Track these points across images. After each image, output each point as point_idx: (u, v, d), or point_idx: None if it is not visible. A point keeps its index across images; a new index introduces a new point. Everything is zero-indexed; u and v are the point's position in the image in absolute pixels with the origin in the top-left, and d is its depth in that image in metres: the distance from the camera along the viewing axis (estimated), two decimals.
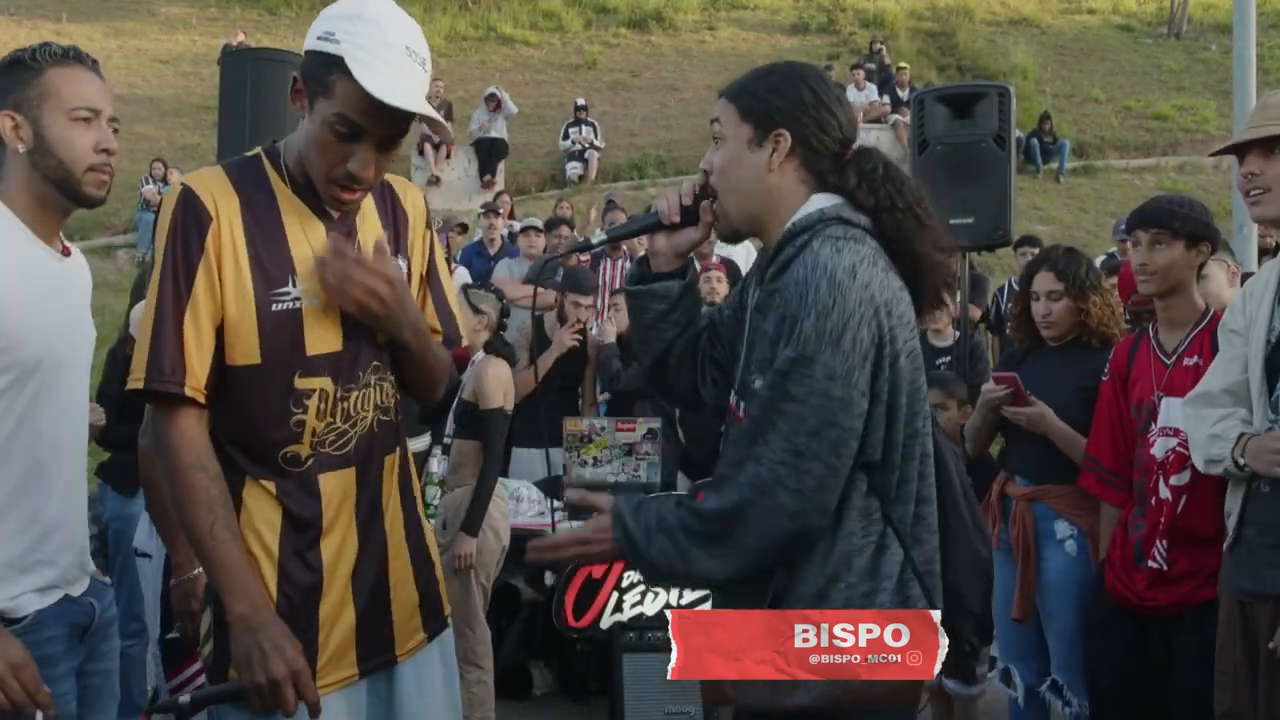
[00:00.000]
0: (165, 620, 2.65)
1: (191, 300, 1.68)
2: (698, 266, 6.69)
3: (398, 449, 1.90)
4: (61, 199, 1.94)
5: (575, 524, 4.11)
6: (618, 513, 1.65)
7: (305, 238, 1.76)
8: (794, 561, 1.62)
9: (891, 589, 1.62)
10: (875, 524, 1.63)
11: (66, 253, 2.04)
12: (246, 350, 1.71)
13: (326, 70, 1.67)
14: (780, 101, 1.71)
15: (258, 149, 1.85)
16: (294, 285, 1.73)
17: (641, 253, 7.09)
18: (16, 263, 1.87)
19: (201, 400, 1.71)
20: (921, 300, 1.72)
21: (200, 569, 2.26)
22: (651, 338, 1.90)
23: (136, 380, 1.69)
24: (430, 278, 1.95)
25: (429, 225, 1.95)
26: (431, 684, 1.92)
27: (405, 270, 1.85)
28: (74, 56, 1.94)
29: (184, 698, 1.72)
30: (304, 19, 19.51)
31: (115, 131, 1.98)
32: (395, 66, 1.64)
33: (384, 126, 1.69)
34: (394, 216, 1.89)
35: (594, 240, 2.01)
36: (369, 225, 1.84)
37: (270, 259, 1.72)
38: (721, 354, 1.90)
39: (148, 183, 12.75)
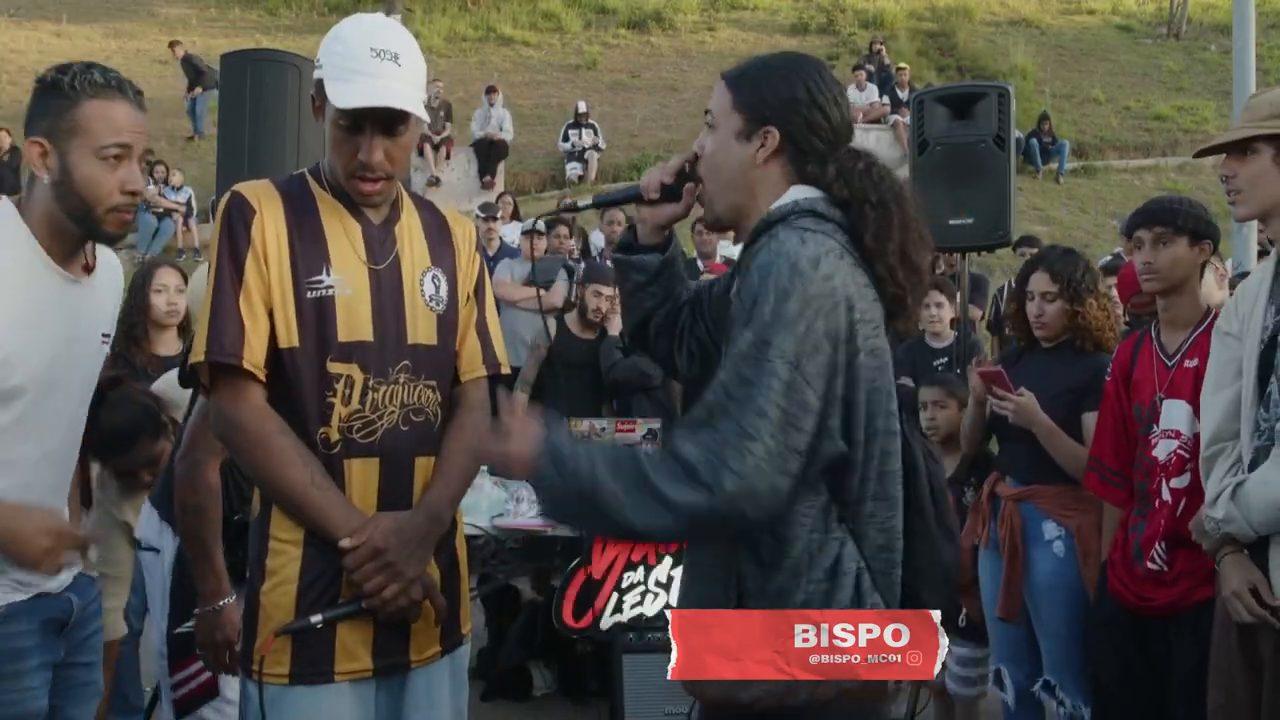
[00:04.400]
0: (173, 615, 2.67)
1: (244, 285, 1.83)
2: (700, 265, 6.69)
3: (435, 456, 1.95)
4: (76, 230, 1.92)
5: None
6: (547, 434, 1.60)
7: (341, 234, 1.91)
8: (751, 558, 1.61)
9: (850, 586, 1.61)
10: (834, 522, 1.62)
11: (89, 269, 2.02)
12: (289, 334, 1.85)
13: (320, 92, 1.88)
14: (773, 97, 1.69)
15: (302, 169, 2.02)
16: (328, 275, 1.87)
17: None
18: (21, 292, 1.86)
19: (260, 377, 1.83)
20: (888, 304, 1.69)
21: (227, 599, 2.33)
22: (632, 304, 1.95)
23: (198, 355, 1.82)
24: (478, 297, 2.08)
25: (477, 250, 2.11)
26: (440, 697, 1.96)
27: (444, 282, 1.99)
28: (114, 86, 1.88)
29: (315, 618, 1.81)
30: (304, 19, 19.57)
31: (150, 165, 1.98)
32: (362, 74, 1.81)
33: (375, 119, 1.83)
34: (439, 238, 2.03)
35: (580, 205, 2.08)
36: (410, 235, 1.98)
37: (307, 250, 1.87)
38: (703, 332, 1.92)
39: (148, 183, 12.73)
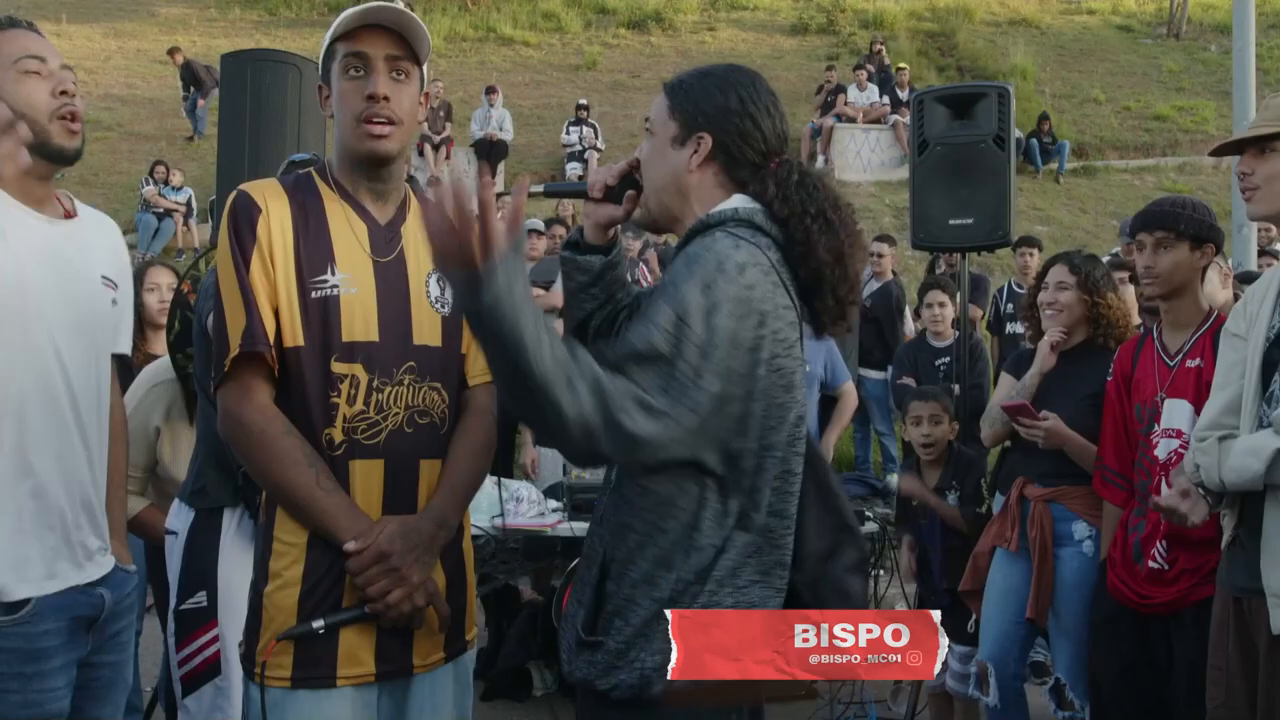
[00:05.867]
0: (180, 593, 2.70)
1: (250, 281, 1.83)
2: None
3: (441, 460, 1.95)
4: (37, 160, 1.93)
5: (574, 524, 4.12)
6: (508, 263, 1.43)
7: (347, 231, 1.91)
8: (658, 550, 1.62)
9: (728, 592, 1.62)
10: (724, 528, 1.62)
11: (69, 215, 2.06)
12: (294, 333, 1.84)
13: (329, 54, 1.92)
14: (707, 105, 1.74)
15: (309, 169, 2.02)
16: (332, 274, 1.87)
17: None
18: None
19: (274, 372, 1.84)
20: (821, 316, 1.72)
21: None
22: (574, 304, 1.96)
23: (233, 350, 1.82)
24: None
25: None
26: (444, 703, 1.95)
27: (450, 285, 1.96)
28: (7, 23, 2.01)
29: (317, 623, 1.80)
30: (304, 19, 19.56)
31: (74, 82, 2.01)
32: (362, 6, 1.87)
33: (380, 45, 1.87)
34: None
35: (531, 189, 2.08)
36: (417, 236, 1.96)
37: (312, 249, 1.87)
38: None
39: (148, 184, 12.74)
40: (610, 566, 1.65)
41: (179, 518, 2.77)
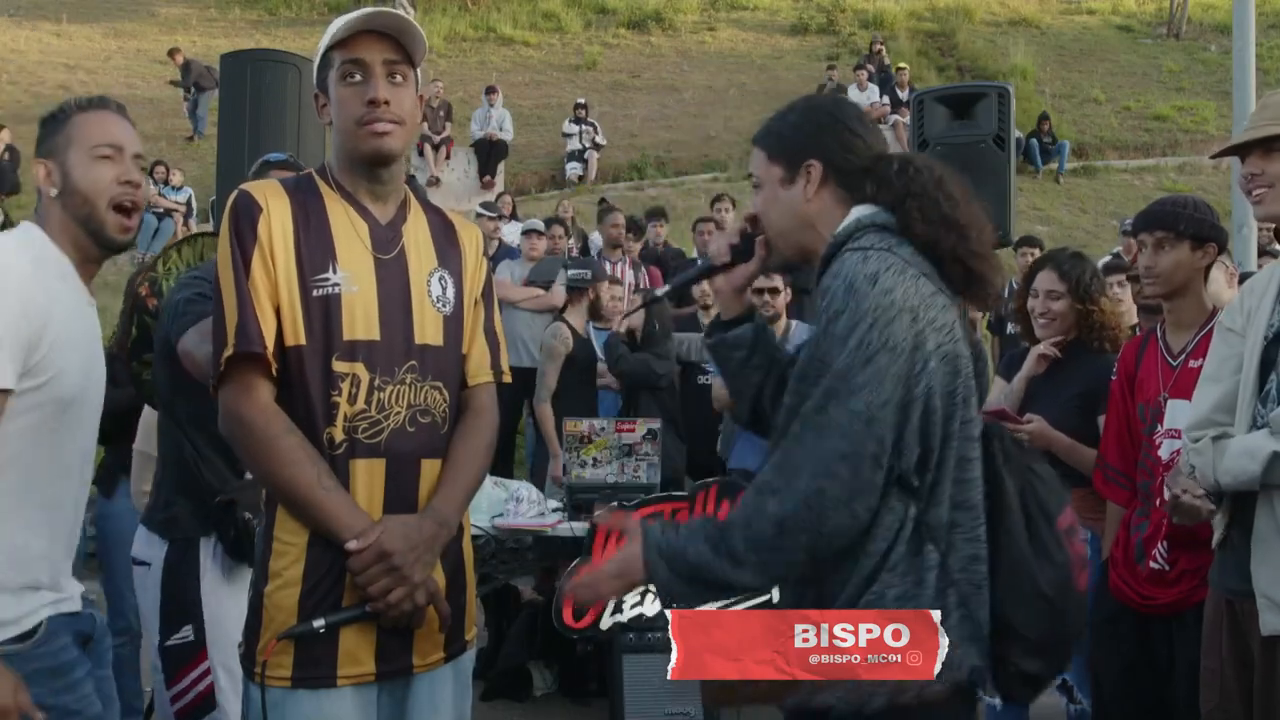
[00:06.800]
0: (164, 628, 2.66)
1: (251, 281, 1.83)
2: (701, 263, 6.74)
3: (442, 460, 1.95)
4: (89, 243, 2.04)
5: (574, 524, 4.12)
6: (645, 532, 1.67)
7: (349, 229, 1.91)
8: (830, 566, 1.62)
9: (931, 595, 1.60)
10: (908, 527, 1.61)
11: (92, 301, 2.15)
12: (296, 331, 1.85)
13: (325, 61, 1.93)
14: (802, 134, 1.78)
15: (309, 169, 2.04)
16: (334, 272, 1.87)
17: (637, 247, 7.20)
18: (66, 301, 1.97)
19: (273, 370, 1.84)
20: (971, 291, 1.73)
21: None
22: (742, 385, 1.93)
23: (229, 349, 1.82)
24: (485, 302, 2.08)
25: (484, 255, 2.13)
26: (443, 703, 1.95)
27: (451, 284, 1.99)
28: (99, 103, 2.09)
29: (318, 622, 1.80)
30: (304, 19, 19.55)
31: (143, 170, 2.09)
32: (357, 13, 1.90)
33: (376, 51, 1.88)
34: (447, 240, 2.04)
35: (659, 293, 2.22)
36: (417, 236, 1.98)
37: (314, 247, 1.87)
38: None
39: (148, 184, 12.72)
40: (820, 599, 1.64)
41: (149, 548, 2.71)
